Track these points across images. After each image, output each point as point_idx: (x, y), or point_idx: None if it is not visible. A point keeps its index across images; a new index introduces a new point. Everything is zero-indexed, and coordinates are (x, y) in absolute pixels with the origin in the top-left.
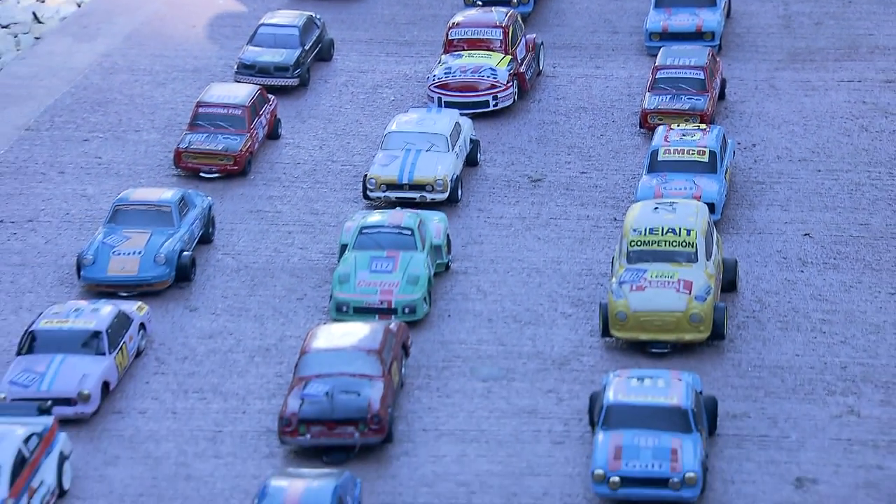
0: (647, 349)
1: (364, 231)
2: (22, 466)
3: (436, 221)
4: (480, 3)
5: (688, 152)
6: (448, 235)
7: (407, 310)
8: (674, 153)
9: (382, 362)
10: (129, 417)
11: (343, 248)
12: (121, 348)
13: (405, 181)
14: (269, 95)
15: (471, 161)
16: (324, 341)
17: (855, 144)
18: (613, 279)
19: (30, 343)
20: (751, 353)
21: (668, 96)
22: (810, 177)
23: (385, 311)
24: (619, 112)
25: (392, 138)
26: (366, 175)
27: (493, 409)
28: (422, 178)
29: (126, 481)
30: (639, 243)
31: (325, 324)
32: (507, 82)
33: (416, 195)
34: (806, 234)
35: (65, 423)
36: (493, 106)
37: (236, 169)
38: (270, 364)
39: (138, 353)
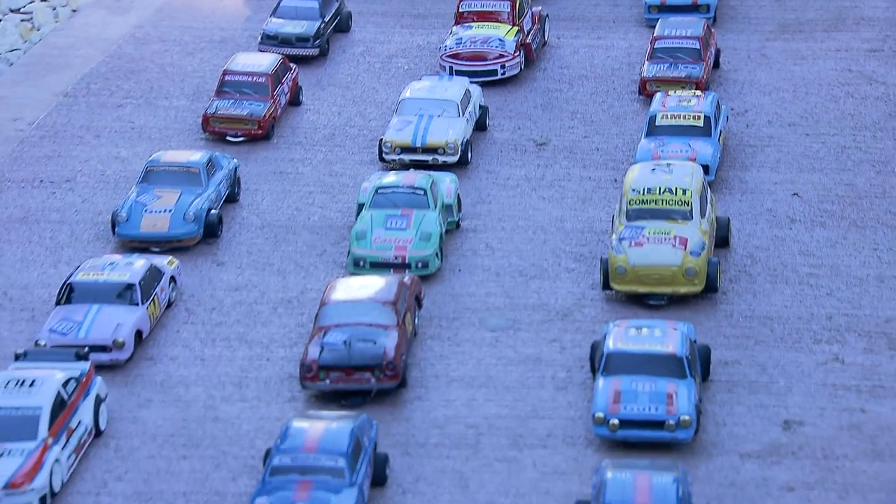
0: (644, 301)
1: (380, 191)
2: (61, 408)
3: (447, 182)
4: None
5: (684, 117)
6: (458, 195)
7: (420, 264)
8: (671, 118)
9: (397, 313)
10: (161, 364)
11: (360, 207)
12: (153, 299)
13: (418, 144)
14: (291, 64)
15: (480, 126)
16: (342, 293)
17: (841, 110)
18: (613, 236)
19: (68, 294)
20: (742, 305)
21: (666, 65)
22: (799, 140)
23: (399, 266)
24: (620, 80)
25: (406, 104)
26: (381, 139)
27: (501, 357)
28: (434, 142)
29: (158, 422)
30: (637, 202)
31: (343, 277)
32: (515, 52)
33: (428, 158)
34: (794, 194)
35: (101, 368)
36: (501, 74)
37: (260, 133)
38: (292, 315)
39: (169, 304)
